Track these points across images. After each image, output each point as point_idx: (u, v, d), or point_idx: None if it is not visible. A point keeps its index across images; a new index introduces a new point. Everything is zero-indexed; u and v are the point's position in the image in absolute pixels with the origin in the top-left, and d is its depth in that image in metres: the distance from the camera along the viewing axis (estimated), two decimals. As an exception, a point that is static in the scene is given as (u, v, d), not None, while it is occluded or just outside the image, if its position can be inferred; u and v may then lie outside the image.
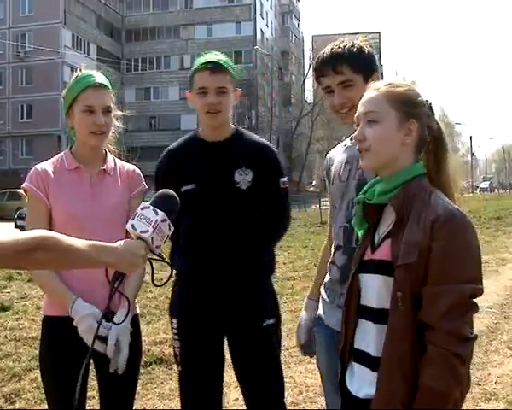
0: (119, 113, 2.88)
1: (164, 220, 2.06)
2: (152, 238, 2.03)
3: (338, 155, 2.69)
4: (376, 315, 1.90)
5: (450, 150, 2.04)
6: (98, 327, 2.24)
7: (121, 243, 2.01)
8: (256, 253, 2.89)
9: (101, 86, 2.74)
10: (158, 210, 2.07)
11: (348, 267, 2.35)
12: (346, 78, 2.48)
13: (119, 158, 2.96)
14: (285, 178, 3.02)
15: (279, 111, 62.74)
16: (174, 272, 2.99)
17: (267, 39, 62.97)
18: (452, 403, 1.75)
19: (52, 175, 2.74)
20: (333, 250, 2.62)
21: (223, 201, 2.84)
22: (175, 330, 2.94)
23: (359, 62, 2.49)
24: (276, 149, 3.04)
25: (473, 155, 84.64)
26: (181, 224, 2.88)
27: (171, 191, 2.17)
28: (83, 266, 2.07)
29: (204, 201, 2.85)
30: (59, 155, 2.86)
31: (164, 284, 2.26)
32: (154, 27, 60.35)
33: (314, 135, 57.66)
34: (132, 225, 2.05)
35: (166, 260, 2.22)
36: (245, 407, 3.04)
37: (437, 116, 2.04)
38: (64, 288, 2.63)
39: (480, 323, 6.64)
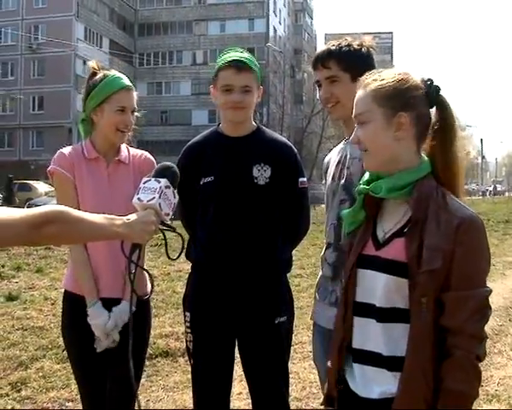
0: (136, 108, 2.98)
1: (167, 187, 2.14)
2: (160, 204, 2.09)
3: (333, 157, 2.79)
4: (379, 314, 1.87)
5: (460, 134, 1.96)
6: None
7: (130, 215, 2.06)
8: (272, 249, 2.90)
9: (131, 89, 2.90)
10: (159, 179, 2.15)
11: (339, 264, 2.46)
12: (332, 73, 2.59)
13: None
14: (304, 178, 3.04)
15: (290, 109, 62.63)
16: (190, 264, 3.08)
17: (280, 37, 62.87)
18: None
19: (76, 160, 2.88)
20: (324, 248, 2.71)
21: (240, 195, 2.87)
22: (188, 324, 2.97)
23: (348, 61, 2.57)
24: (295, 149, 3.06)
25: (483, 158, 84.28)
26: (199, 215, 2.96)
27: (168, 163, 2.28)
28: (95, 238, 2.13)
29: (222, 194, 2.88)
30: (77, 145, 2.99)
31: (178, 257, 2.31)
32: (166, 22, 60.39)
33: (325, 133, 57.38)
34: (138, 198, 2.12)
35: (178, 231, 2.24)
36: (248, 401, 3.08)
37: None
38: (93, 286, 2.79)
39: (484, 325, 6.64)
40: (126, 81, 2.90)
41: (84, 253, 2.81)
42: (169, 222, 2.18)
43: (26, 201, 29.36)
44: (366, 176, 2.02)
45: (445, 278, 1.77)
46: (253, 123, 3.02)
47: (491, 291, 1.82)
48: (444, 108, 1.94)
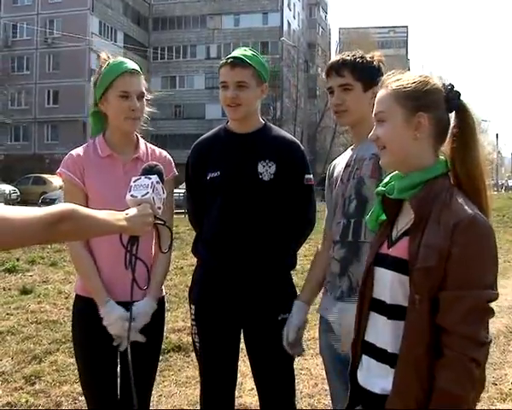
0: (149, 96, 2.94)
1: (158, 182, 2.29)
2: (153, 198, 2.23)
3: (340, 163, 2.88)
4: (389, 311, 1.91)
5: (480, 139, 1.99)
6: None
7: (128, 210, 2.16)
8: (276, 246, 2.95)
9: (135, 72, 2.81)
10: (150, 175, 2.29)
11: (347, 260, 2.61)
12: (345, 81, 2.71)
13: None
14: (310, 175, 3.05)
15: (304, 103, 62.51)
16: (195, 259, 3.14)
17: (294, 31, 62.65)
18: (467, 405, 1.76)
19: (86, 161, 2.82)
20: (332, 246, 2.76)
21: (245, 190, 2.92)
22: (193, 316, 3.03)
23: (361, 71, 2.69)
24: (302, 147, 3.11)
25: (499, 153, 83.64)
26: (206, 211, 3.01)
27: (153, 162, 2.47)
28: (103, 232, 2.19)
29: (227, 189, 2.93)
30: (91, 142, 2.92)
31: (169, 250, 2.51)
32: (180, 16, 60.31)
33: (338, 128, 57.24)
34: (132, 195, 2.24)
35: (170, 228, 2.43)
36: (258, 397, 3.12)
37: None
38: (100, 285, 2.73)
39: (498, 323, 6.59)
40: (130, 65, 2.81)
41: (88, 254, 2.76)
42: (160, 215, 2.32)
43: (40, 194, 29.51)
44: (386, 178, 2.07)
45: (442, 278, 1.78)
46: (261, 120, 3.07)
47: (496, 295, 1.81)
48: (465, 112, 1.96)
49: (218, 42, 58.81)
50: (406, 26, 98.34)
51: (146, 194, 2.23)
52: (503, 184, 72.34)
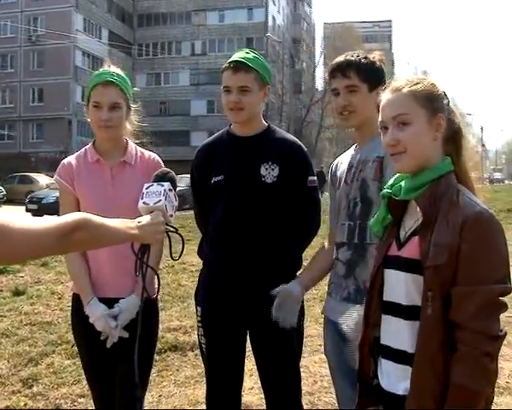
0: (134, 106, 3.02)
1: (170, 190, 2.25)
2: (165, 206, 2.20)
3: (344, 161, 2.88)
4: (406, 312, 1.92)
5: (467, 135, 2.06)
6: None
7: (140, 218, 2.15)
8: (281, 247, 2.96)
9: (109, 83, 2.86)
10: (162, 183, 2.26)
11: (353, 261, 2.61)
12: (352, 82, 2.68)
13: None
14: (313, 177, 3.05)
15: (289, 98, 62.44)
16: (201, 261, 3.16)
17: (279, 26, 62.46)
18: (485, 400, 1.78)
19: (76, 167, 2.93)
20: (335, 248, 2.78)
21: (249, 193, 2.93)
22: (199, 318, 3.05)
23: (367, 72, 2.68)
24: (305, 148, 3.11)
25: (483, 146, 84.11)
26: (210, 214, 3.03)
27: (166, 168, 2.45)
28: (115, 241, 2.16)
29: (231, 192, 2.95)
30: (83, 149, 3.03)
31: (180, 257, 2.42)
32: (165, 12, 60.00)
33: (324, 123, 57.46)
34: (144, 202, 2.22)
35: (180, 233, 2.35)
36: (260, 396, 3.13)
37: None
38: (85, 284, 2.84)
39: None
40: (107, 76, 2.87)
41: (78, 255, 2.85)
42: (172, 223, 2.30)
43: (27, 193, 29.31)
44: (391, 181, 2.09)
45: (453, 274, 1.81)
46: (264, 122, 3.08)
47: (509, 288, 1.83)
48: (455, 115, 2.04)
49: (203, 38, 58.63)
50: (390, 21, 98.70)
51: (158, 201, 2.20)
52: (488, 177, 72.94)
